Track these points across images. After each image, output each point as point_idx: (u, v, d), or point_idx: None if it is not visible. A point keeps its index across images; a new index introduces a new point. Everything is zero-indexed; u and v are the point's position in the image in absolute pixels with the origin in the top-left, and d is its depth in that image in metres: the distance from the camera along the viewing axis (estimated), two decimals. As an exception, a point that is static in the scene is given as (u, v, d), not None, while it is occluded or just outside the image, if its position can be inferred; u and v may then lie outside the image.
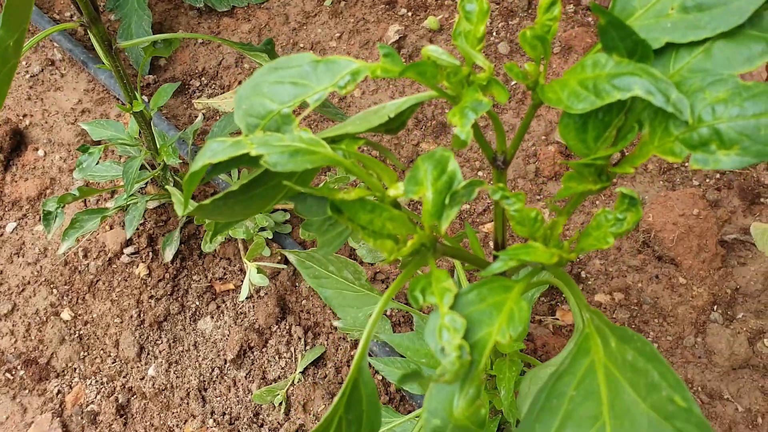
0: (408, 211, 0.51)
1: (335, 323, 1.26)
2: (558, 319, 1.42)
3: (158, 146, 1.35)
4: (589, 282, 1.46)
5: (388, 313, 1.42)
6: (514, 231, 0.51)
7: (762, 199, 1.52)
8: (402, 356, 1.22)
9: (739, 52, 0.45)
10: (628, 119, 0.48)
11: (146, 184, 1.60)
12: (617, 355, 0.46)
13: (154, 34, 1.88)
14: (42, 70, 1.91)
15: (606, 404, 0.45)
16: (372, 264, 1.48)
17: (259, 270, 1.37)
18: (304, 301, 1.48)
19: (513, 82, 1.75)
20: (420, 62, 0.47)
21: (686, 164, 1.58)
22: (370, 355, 1.36)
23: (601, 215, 0.49)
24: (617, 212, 0.49)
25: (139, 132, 1.36)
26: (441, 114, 1.71)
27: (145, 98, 1.75)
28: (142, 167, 1.44)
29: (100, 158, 1.27)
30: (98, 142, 1.74)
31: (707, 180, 1.55)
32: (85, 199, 1.67)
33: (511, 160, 0.57)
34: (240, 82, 1.86)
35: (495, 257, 0.64)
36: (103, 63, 1.15)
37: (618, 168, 0.48)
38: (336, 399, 0.49)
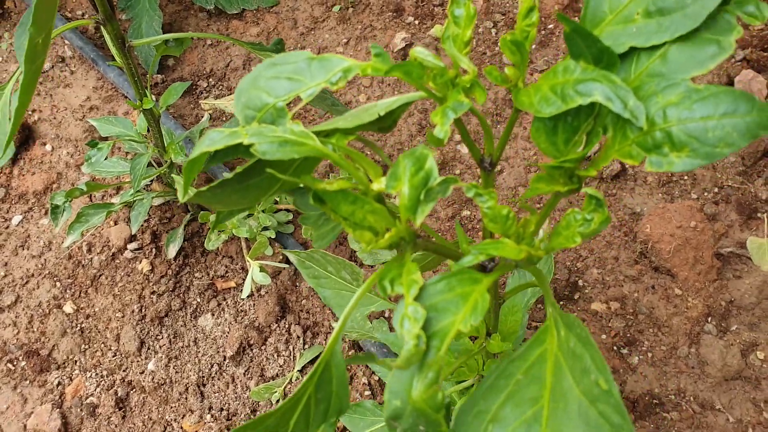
0: (394, 205, 0.53)
1: (334, 324, 1.28)
2: (554, 326, 1.44)
3: (166, 144, 1.37)
4: (586, 291, 1.48)
5: (386, 315, 1.44)
6: (487, 228, 0.53)
7: (759, 214, 1.54)
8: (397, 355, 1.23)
9: (692, 55, 0.47)
10: (596, 124, 0.50)
11: (151, 181, 1.63)
12: (564, 343, 0.49)
13: (163, 34, 1.91)
14: (52, 67, 1.93)
15: (548, 389, 0.47)
16: (372, 266, 1.50)
17: (261, 269, 1.39)
18: (304, 301, 1.50)
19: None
20: (406, 63, 0.49)
21: (684, 177, 1.60)
22: (367, 355, 1.38)
23: (571, 215, 0.51)
24: (585, 213, 0.51)
25: (147, 129, 1.38)
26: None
27: (153, 97, 1.77)
28: (149, 164, 1.46)
29: (107, 154, 1.30)
30: (105, 139, 1.76)
31: (705, 193, 1.57)
32: (91, 194, 1.69)
33: (497, 161, 0.59)
34: (247, 84, 1.88)
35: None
36: (114, 60, 1.17)
37: (584, 171, 0.50)
38: (306, 378, 0.51)
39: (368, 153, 1.72)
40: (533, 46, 1.84)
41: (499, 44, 1.86)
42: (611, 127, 0.48)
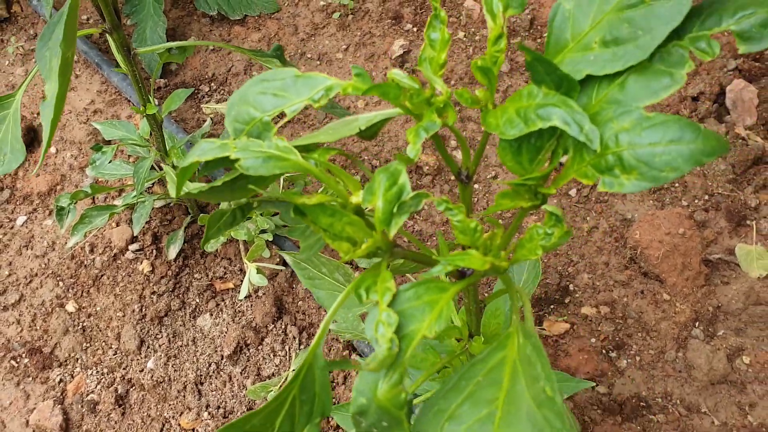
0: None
1: (330, 326, 1.31)
2: (545, 329, 1.47)
3: (168, 148, 1.41)
4: (577, 295, 1.51)
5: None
6: (456, 240, 0.57)
7: (748, 222, 1.57)
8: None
9: (647, 85, 0.50)
10: (559, 145, 0.53)
11: (153, 184, 1.66)
12: (522, 350, 0.52)
13: (167, 39, 1.95)
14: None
15: (504, 392, 0.51)
16: (365, 269, 1.53)
17: (259, 270, 1.43)
18: (300, 303, 1.54)
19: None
20: (384, 84, 0.53)
21: (675, 185, 1.63)
22: (360, 355, 1.41)
23: (533, 230, 0.54)
24: (546, 227, 0.54)
25: (150, 133, 1.41)
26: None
27: (156, 101, 1.81)
28: (151, 168, 1.49)
29: (111, 158, 1.33)
30: (109, 142, 1.80)
31: (696, 201, 1.60)
32: (94, 196, 1.73)
33: (473, 175, 0.62)
34: (248, 89, 1.92)
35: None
36: (118, 67, 1.21)
37: (545, 189, 0.54)
38: (290, 380, 0.54)
39: (366, 157, 1.75)
40: (519, 39, 1.88)
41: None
42: (571, 148, 0.51)
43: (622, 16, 0.52)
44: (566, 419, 0.45)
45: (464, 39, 1.94)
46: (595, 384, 1.24)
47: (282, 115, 0.54)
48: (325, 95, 0.53)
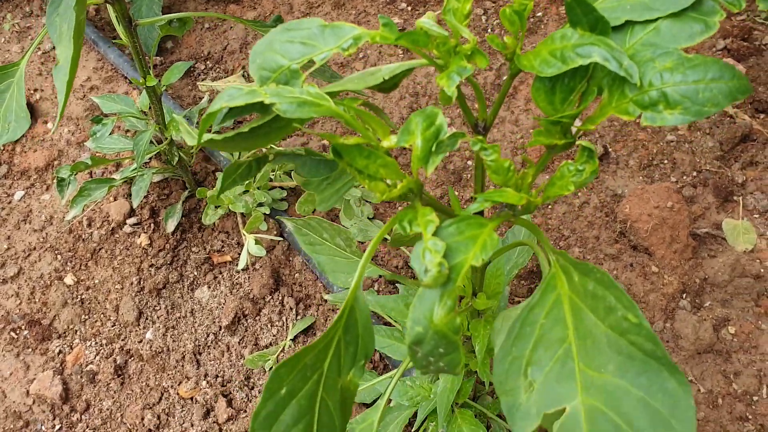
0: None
1: (326, 297, 1.34)
2: (536, 301, 1.51)
3: (166, 122, 1.43)
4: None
5: (375, 288, 1.50)
6: (490, 179, 0.60)
7: (735, 197, 1.61)
8: (388, 324, 1.30)
9: (682, 30, 0.55)
10: (590, 85, 0.56)
11: (150, 158, 1.68)
12: (579, 287, 0.54)
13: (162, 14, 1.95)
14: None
15: (571, 328, 0.53)
16: (362, 242, 1.56)
17: (257, 241, 1.45)
18: (297, 275, 1.56)
19: (500, 64, 1.83)
20: (413, 31, 0.55)
21: (664, 161, 1.66)
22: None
23: (564, 167, 0.57)
24: (578, 164, 0.57)
25: (149, 107, 1.43)
26: (435, 102, 1.79)
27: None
28: (149, 141, 1.51)
29: (111, 130, 1.35)
30: (107, 116, 1.81)
31: (684, 177, 1.64)
32: (91, 170, 1.74)
33: (490, 126, 0.65)
34: (243, 67, 1.93)
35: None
36: (118, 40, 1.22)
37: (582, 126, 0.57)
38: (334, 321, 0.56)
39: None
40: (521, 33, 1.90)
41: (491, 33, 1.91)
42: (606, 87, 0.55)
43: None
44: (659, 340, 0.47)
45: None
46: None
47: (311, 63, 0.56)
48: (354, 43, 0.55)
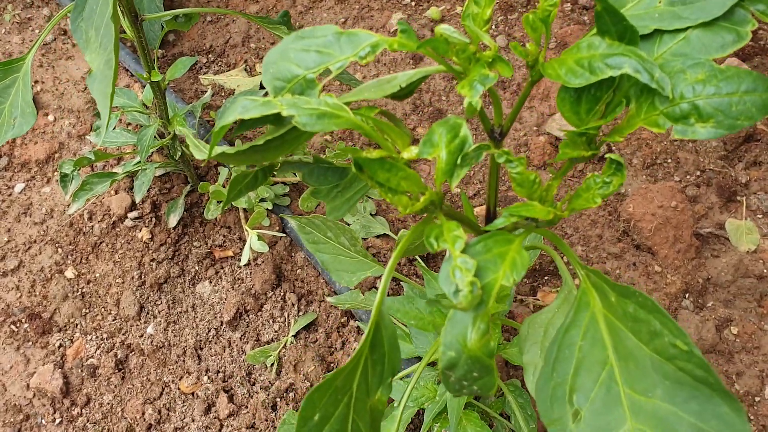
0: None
1: (328, 299, 1.33)
2: (539, 300, 1.50)
3: (170, 116, 1.42)
4: (571, 267, 1.54)
5: (378, 285, 1.50)
6: (514, 191, 0.59)
7: (738, 197, 1.61)
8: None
9: (713, 40, 0.54)
10: (616, 95, 0.55)
11: (152, 152, 1.67)
12: (617, 307, 0.53)
13: (165, 10, 1.94)
14: (54, 39, 1.97)
15: (610, 349, 0.52)
16: (365, 239, 1.56)
17: (259, 237, 1.45)
18: (298, 271, 1.56)
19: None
20: (433, 39, 0.54)
21: (668, 161, 1.66)
22: (359, 321, 1.44)
23: (591, 179, 0.56)
24: (605, 176, 0.56)
25: (152, 101, 1.42)
26: (438, 101, 1.78)
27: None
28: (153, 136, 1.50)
29: (114, 125, 1.34)
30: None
31: (688, 176, 1.63)
32: (93, 164, 1.73)
33: (507, 132, 0.64)
34: (246, 61, 1.92)
35: (489, 219, 0.71)
36: (122, 34, 1.21)
37: (608, 137, 0.56)
38: (361, 341, 0.55)
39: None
40: (516, 14, 1.89)
41: (494, 30, 1.90)
42: (634, 99, 0.54)
43: None
44: (711, 368, 0.47)
45: (462, 13, 1.95)
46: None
47: (326, 72, 0.54)
48: (372, 51, 0.54)
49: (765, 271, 1.49)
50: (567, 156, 0.57)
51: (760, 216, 1.58)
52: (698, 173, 1.64)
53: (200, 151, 0.56)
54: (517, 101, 0.62)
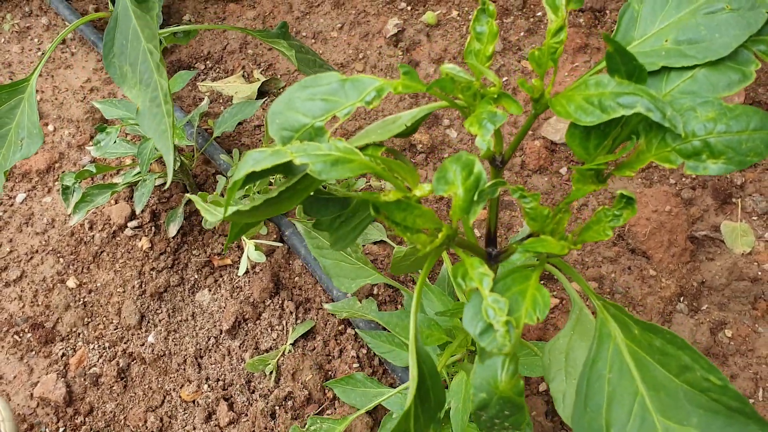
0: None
1: (326, 306, 1.35)
2: (535, 304, 1.52)
3: (165, 127, 1.43)
4: (576, 286, 1.56)
5: (375, 292, 1.51)
6: (527, 225, 0.60)
7: (734, 199, 1.61)
8: (386, 329, 1.31)
9: (720, 79, 0.55)
10: (623, 131, 0.56)
11: (151, 162, 1.69)
12: (641, 340, 0.54)
13: (162, 16, 1.95)
14: (54, 49, 1.98)
15: (638, 379, 0.53)
16: (362, 245, 1.57)
17: (257, 247, 1.46)
18: (296, 279, 1.58)
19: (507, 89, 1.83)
20: (441, 79, 0.55)
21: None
22: (356, 328, 1.46)
23: (601, 212, 0.58)
24: (615, 209, 0.57)
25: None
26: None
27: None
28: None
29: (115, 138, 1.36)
30: (105, 120, 1.82)
31: (683, 179, 1.64)
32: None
33: (508, 160, 0.65)
34: (243, 67, 1.94)
35: (488, 247, 0.72)
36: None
37: (618, 171, 0.57)
38: (410, 394, 0.55)
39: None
40: (521, 34, 1.90)
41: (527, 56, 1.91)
42: (643, 135, 0.55)
43: (699, 21, 0.57)
44: (746, 400, 0.48)
45: (458, 18, 1.96)
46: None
47: (334, 119, 0.55)
48: (377, 96, 0.54)
49: (759, 273, 1.50)
50: (582, 192, 0.58)
51: (755, 218, 1.59)
52: (693, 176, 1.65)
53: (212, 214, 0.56)
54: (518, 133, 0.63)
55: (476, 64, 0.59)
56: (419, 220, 0.54)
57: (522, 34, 1.90)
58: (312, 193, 0.60)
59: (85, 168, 1.34)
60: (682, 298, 1.49)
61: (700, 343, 1.42)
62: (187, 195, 1.67)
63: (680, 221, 1.53)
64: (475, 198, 0.53)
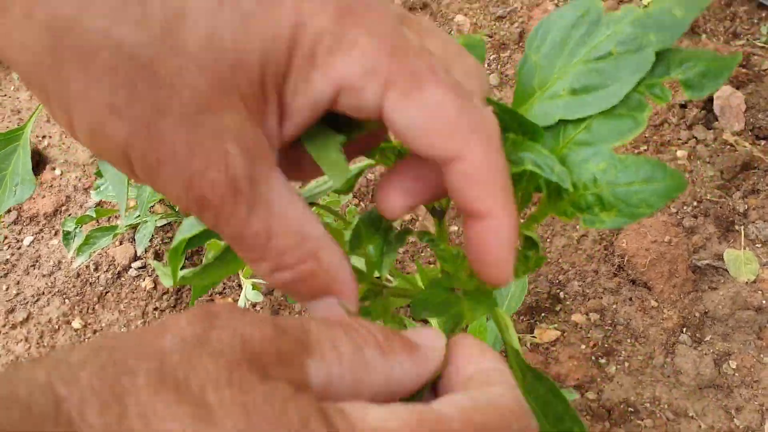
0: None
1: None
2: (535, 337, 1.51)
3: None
4: (567, 302, 1.55)
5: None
6: (441, 266, 0.61)
7: (737, 227, 1.60)
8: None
9: (613, 128, 0.55)
10: (529, 185, 0.57)
11: (153, 204, 1.71)
12: (532, 388, 0.55)
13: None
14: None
15: None
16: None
17: (255, 287, 1.47)
18: (296, 316, 1.58)
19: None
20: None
21: (663, 192, 1.66)
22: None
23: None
24: (524, 251, 0.58)
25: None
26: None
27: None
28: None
29: (110, 181, 1.39)
30: (111, 162, 1.85)
31: (684, 207, 1.63)
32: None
33: (446, 209, 0.66)
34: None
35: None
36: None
37: (525, 224, 0.57)
38: None
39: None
40: (508, 52, 1.91)
41: (487, 69, 1.93)
42: (545, 187, 0.55)
43: (590, 67, 0.57)
44: None
45: (456, 52, 1.98)
46: (584, 390, 1.27)
47: None
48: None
49: (764, 302, 1.48)
50: None
51: (759, 245, 1.57)
52: (695, 204, 1.64)
53: (167, 278, 0.58)
54: None
55: None
56: None
57: (508, 52, 1.91)
58: None
59: (85, 214, 1.37)
60: (684, 329, 1.47)
61: (704, 375, 1.40)
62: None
63: (680, 251, 1.51)
64: (385, 250, 0.54)
